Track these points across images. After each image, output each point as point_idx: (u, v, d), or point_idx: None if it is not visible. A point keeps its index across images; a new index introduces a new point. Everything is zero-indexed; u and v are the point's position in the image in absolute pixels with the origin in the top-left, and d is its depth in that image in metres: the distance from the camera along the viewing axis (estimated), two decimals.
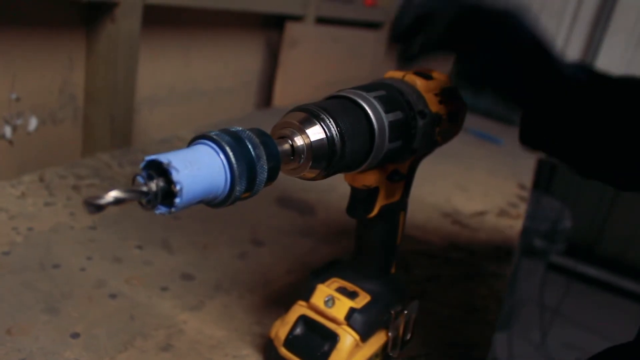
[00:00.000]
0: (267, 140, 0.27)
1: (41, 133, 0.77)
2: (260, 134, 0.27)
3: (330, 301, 0.40)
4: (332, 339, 0.39)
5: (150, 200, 0.23)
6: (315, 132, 0.30)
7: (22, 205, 0.59)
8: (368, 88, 0.34)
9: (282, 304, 0.49)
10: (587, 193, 2.23)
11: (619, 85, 0.43)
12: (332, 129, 0.30)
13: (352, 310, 0.39)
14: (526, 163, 1.17)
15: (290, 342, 0.40)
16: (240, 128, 0.26)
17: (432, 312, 0.54)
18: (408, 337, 0.44)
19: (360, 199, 0.39)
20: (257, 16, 1.20)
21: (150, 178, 0.23)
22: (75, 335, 0.42)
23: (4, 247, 0.51)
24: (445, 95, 0.40)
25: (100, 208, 0.22)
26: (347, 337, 0.39)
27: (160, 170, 0.23)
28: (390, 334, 0.42)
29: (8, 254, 0.50)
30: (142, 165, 0.23)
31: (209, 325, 0.46)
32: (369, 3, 1.61)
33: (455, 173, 1.03)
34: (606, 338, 1.80)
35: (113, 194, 0.22)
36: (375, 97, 0.33)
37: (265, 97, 1.33)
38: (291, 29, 1.21)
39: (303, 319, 0.41)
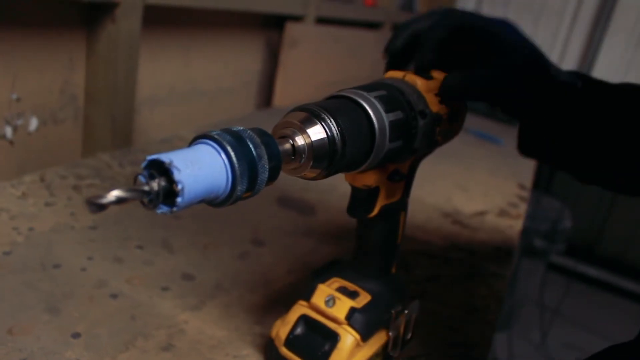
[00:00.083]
0: (268, 140, 0.27)
1: (42, 133, 0.77)
2: (261, 133, 0.27)
3: (330, 301, 0.40)
4: (333, 338, 0.39)
5: (152, 200, 0.23)
6: (316, 132, 0.30)
7: (22, 205, 0.59)
8: (368, 88, 0.34)
9: (282, 304, 0.49)
10: (587, 193, 2.23)
11: (616, 91, 0.44)
12: (333, 128, 0.30)
13: (352, 310, 0.39)
14: (526, 163, 1.17)
15: (291, 342, 0.40)
16: (242, 128, 0.26)
17: (432, 312, 0.54)
18: (408, 337, 0.44)
19: (361, 199, 0.39)
20: (257, 16, 1.20)
21: (151, 177, 0.23)
22: (76, 335, 0.42)
23: (4, 247, 0.51)
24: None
25: (102, 207, 0.22)
26: (348, 337, 0.39)
27: (161, 170, 0.23)
28: (390, 333, 0.42)
29: (9, 254, 0.50)
30: (143, 164, 0.23)
31: (209, 325, 0.46)
32: (369, 3, 1.62)
33: (455, 173, 1.03)
34: (606, 338, 1.80)
35: (115, 194, 0.22)
36: (375, 97, 0.33)
37: (266, 97, 1.33)
38: (291, 29, 1.21)
39: (304, 318, 0.41)
